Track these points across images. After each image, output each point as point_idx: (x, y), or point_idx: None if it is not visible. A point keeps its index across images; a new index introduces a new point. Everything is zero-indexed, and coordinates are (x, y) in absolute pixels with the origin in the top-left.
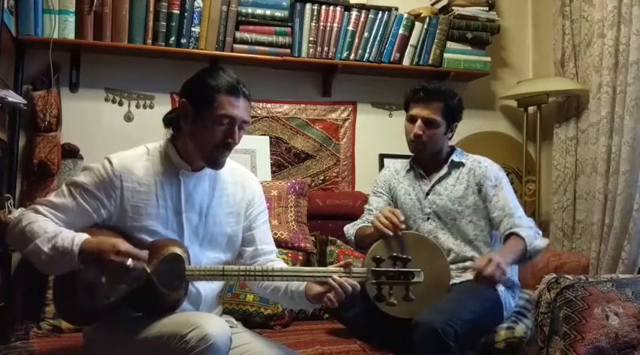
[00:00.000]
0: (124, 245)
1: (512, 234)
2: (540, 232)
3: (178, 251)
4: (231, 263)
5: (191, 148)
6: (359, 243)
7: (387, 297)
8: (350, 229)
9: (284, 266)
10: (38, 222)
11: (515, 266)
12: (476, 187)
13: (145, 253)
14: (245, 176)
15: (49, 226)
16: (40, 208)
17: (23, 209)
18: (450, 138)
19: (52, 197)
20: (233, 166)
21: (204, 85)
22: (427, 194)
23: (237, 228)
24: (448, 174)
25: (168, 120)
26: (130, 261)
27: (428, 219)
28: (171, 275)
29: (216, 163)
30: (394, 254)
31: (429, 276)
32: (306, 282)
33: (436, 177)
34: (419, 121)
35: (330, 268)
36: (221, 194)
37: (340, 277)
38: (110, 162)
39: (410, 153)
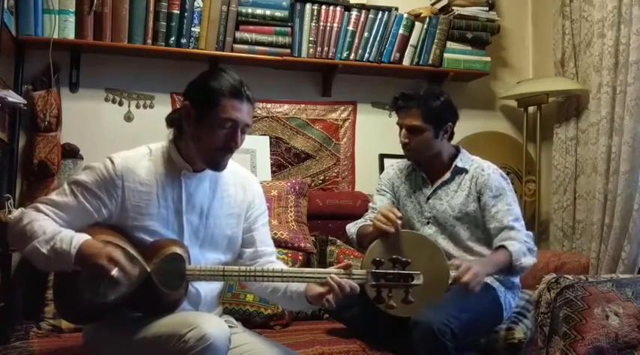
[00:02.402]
0: (117, 254)
1: (501, 246)
2: (535, 249)
3: (179, 250)
4: (230, 264)
5: (193, 150)
6: (360, 242)
7: (387, 300)
8: (352, 228)
9: (284, 267)
10: (39, 222)
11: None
12: (476, 195)
13: (134, 271)
14: (246, 177)
15: (49, 226)
16: (42, 206)
17: (23, 209)
18: (449, 140)
19: (53, 195)
20: (234, 167)
21: (208, 87)
22: (428, 198)
23: (237, 230)
24: (451, 179)
25: (171, 121)
26: (115, 271)
27: (428, 223)
28: (172, 275)
29: (218, 166)
30: (394, 256)
31: (428, 276)
32: (306, 283)
33: (438, 181)
34: (403, 130)
35: (331, 269)
36: (222, 195)
37: (340, 278)
38: (112, 162)
39: None
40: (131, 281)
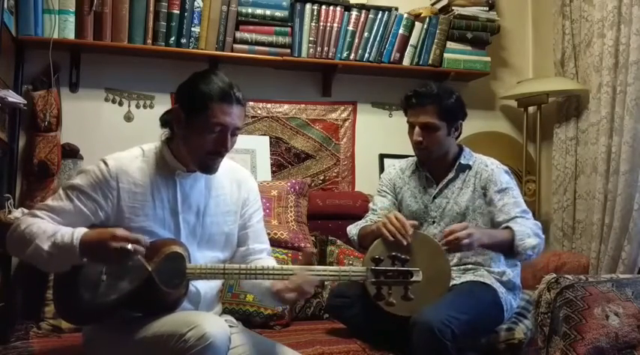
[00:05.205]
0: (121, 231)
1: (507, 227)
2: (542, 236)
3: (179, 250)
4: (228, 261)
5: (184, 152)
6: (362, 243)
7: (387, 297)
8: (353, 229)
9: (276, 264)
10: (37, 224)
11: (518, 268)
12: (481, 191)
13: (144, 237)
14: (241, 174)
15: (48, 226)
16: (38, 212)
17: (23, 209)
18: (456, 138)
19: (48, 201)
20: (229, 165)
21: (197, 91)
22: (434, 197)
23: (233, 227)
24: (455, 177)
25: (165, 122)
26: (130, 245)
27: (434, 222)
28: (172, 274)
29: (209, 169)
30: (393, 253)
31: (429, 275)
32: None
33: (444, 180)
34: (417, 128)
35: (331, 267)
36: (217, 193)
37: (341, 276)
38: (106, 164)
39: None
40: (145, 248)
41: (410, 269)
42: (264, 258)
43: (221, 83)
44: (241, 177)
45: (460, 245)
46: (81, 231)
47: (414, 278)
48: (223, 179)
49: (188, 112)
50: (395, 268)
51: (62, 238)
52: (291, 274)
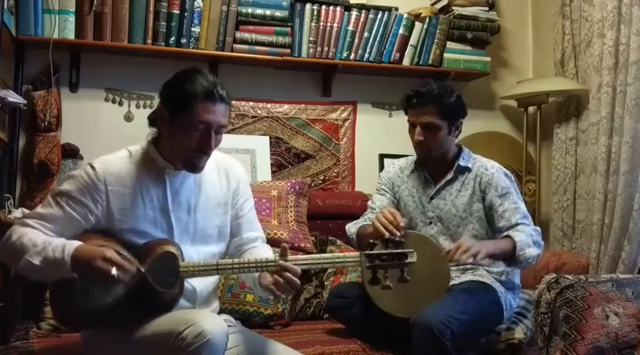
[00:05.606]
0: (111, 253)
1: (507, 236)
2: (542, 243)
3: (172, 249)
4: (223, 254)
5: (170, 151)
6: (360, 242)
7: (383, 280)
8: (352, 228)
9: (270, 253)
10: (27, 235)
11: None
12: (480, 195)
13: (132, 267)
14: (228, 164)
15: (39, 238)
16: (29, 221)
17: (24, 209)
18: (456, 137)
19: (39, 209)
20: (215, 157)
21: (180, 90)
22: (431, 198)
23: (225, 218)
24: (454, 179)
25: (152, 121)
26: (114, 271)
27: (430, 223)
28: (166, 274)
29: (194, 167)
30: (386, 237)
31: (429, 276)
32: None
33: (442, 181)
34: (418, 128)
35: (325, 254)
36: (207, 187)
37: (335, 262)
38: (92, 167)
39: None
40: (131, 277)
41: (404, 251)
42: (259, 245)
43: (204, 81)
44: (228, 167)
45: (470, 256)
46: (72, 246)
47: (409, 260)
48: (212, 173)
49: (172, 111)
50: (389, 251)
51: (53, 253)
52: (284, 267)
